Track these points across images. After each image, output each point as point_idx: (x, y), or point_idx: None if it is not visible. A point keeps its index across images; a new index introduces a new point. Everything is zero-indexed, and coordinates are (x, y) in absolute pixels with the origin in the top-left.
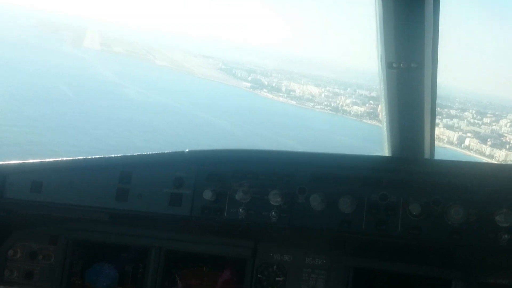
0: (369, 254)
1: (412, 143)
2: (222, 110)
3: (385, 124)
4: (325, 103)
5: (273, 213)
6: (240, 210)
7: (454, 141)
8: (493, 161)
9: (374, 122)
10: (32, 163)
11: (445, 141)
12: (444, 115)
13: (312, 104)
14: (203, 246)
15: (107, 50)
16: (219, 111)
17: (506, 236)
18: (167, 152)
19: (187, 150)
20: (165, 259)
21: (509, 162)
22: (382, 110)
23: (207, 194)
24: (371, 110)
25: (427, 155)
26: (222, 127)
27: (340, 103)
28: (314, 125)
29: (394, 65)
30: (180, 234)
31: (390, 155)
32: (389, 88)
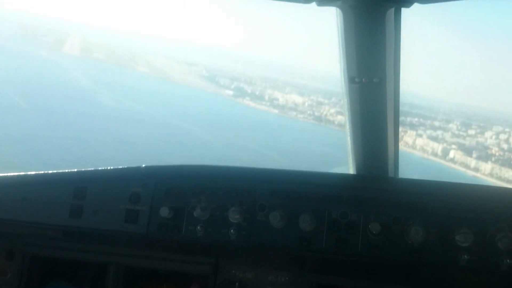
0: (331, 271)
1: (375, 160)
2: (200, 118)
3: (348, 140)
4: (309, 112)
5: (232, 230)
6: (198, 227)
7: (438, 153)
8: (472, 172)
9: None
10: None
11: (429, 152)
12: (428, 126)
13: (295, 113)
14: (163, 262)
15: (87, 56)
16: (197, 119)
17: (465, 256)
18: (123, 168)
19: (143, 165)
20: (124, 276)
21: (479, 180)
22: (345, 126)
23: (164, 211)
24: None
25: (391, 172)
26: (197, 135)
27: (324, 113)
28: (296, 134)
29: (356, 79)
30: (139, 251)
31: (354, 172)
32: (351, 103)
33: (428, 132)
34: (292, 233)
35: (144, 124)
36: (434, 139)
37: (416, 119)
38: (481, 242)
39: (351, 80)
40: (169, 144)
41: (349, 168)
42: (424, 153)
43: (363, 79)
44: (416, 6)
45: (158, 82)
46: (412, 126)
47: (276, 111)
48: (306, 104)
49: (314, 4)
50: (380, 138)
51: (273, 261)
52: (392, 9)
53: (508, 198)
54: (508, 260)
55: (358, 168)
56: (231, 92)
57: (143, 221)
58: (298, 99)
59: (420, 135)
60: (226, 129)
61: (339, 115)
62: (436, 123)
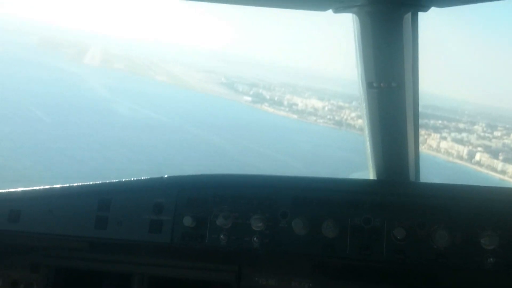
0: (354, 277)
1: (396, 164)
2: (219, 126)
3: (368, 145)
4: (329, 116)
5: (255, 238)
6: (221, 236)
7: (464, 156)
8: (499, 175)
9: None
10: (9, 192)
11: (454, 155)
12: (452, 129)
13: (315, 118)
14: (187, 271)
15: (106, 67)
16: (216, 127)
17: (491, 259)
18: (145, 178)
19: (166, 175)
20: (149, 286)
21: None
22: (364, 131)
23: (187, 221)
24: None
25: (412, 177)
26: (216, 144)
27: (345, 117)
28: (315, 139)
29: (374, 84)
30: (162, 260)
31: (374, 177)
32: (370, 108)
33: (453, 134)
34: (315, 240)
35: (162, 133)
36: (459, 141)
37: (439, 122)
38: (507, 245)
39: (369, 85)
40: (188, 153)
41: (369, 173)
42: (449, 156)
43: (382, 84)
44: (433, 10)
45: (177, 90)
46: (436, 129)
47: (295, 116)
48: (326, 108)
49: (330, 11)
50: (400, 142)
51: (296, 268)
52: (409, 14)
53: None
54: None
55: (378, 173)
56: (249, 98)
57: (167, 231)
58: (318, 104)
59: (445, 138)
60: (244, 136)
61: (360, 119)
62: (461, 125)
